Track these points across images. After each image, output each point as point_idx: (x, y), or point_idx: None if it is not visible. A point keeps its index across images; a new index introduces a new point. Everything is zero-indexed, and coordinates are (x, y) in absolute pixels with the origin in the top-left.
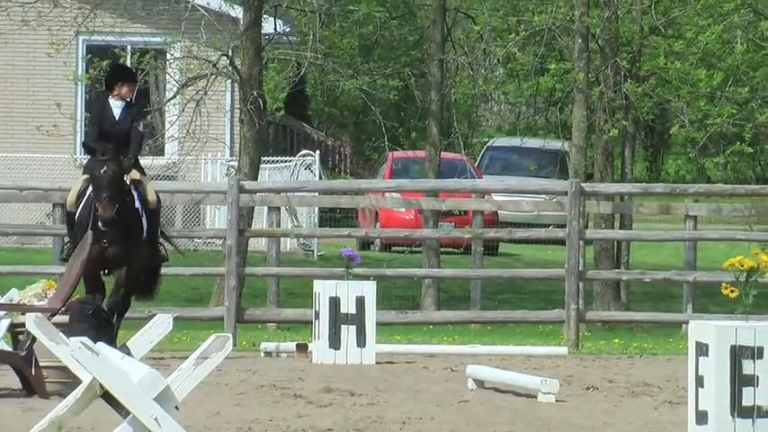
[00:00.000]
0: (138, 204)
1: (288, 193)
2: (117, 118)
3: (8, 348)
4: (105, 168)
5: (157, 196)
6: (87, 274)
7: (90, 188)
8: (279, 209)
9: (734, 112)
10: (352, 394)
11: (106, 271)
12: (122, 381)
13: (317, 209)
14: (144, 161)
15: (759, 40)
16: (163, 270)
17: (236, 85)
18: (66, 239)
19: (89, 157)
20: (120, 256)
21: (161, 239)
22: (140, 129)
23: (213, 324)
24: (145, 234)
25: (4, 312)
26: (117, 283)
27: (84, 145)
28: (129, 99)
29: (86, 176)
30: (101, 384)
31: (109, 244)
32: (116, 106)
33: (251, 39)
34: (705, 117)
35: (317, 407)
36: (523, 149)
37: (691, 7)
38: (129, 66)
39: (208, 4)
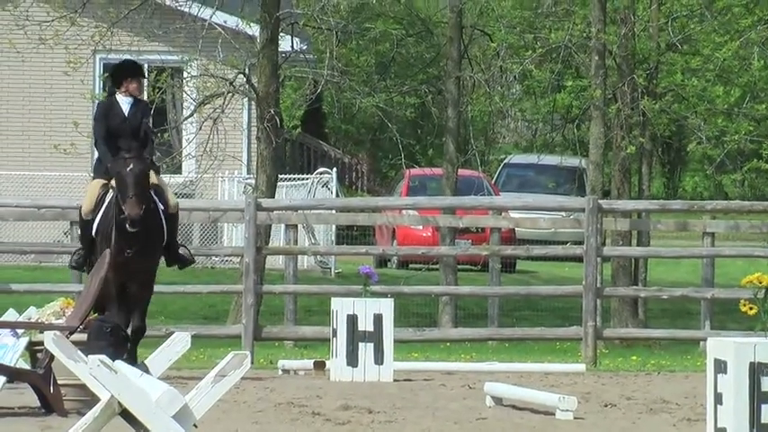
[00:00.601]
0: (160, 207)
1: (305, 211)
2: (126, 114)
3: (27, 366)
4: (132, 166)
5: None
6: (113, 283)
7: (108, 196)
8: (296, 226)
9: (751, 128)
10: (370, 412)
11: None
12: (141, 399)
13: (334, 226)
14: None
15: None
16: (181, 288)
17: (252, 102)
18: (79, 247)
19: (102, 158)
20: (144, 263)
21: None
22: (150, 125)
23: (231, 342)
24: (165, 240)
25: (22, 331)
26: (136, 304)
27: (96, 144)
28: (137, 95)
29: (101, 182)
30: (119, 402)
31: (133, 251)
32: (124, 102)
33: (268, 57)
34: (722, 134)
35: (334, 424)
36: (540, 166)
37: (707, 24)
38: (136, 61)
39: (225, 22)
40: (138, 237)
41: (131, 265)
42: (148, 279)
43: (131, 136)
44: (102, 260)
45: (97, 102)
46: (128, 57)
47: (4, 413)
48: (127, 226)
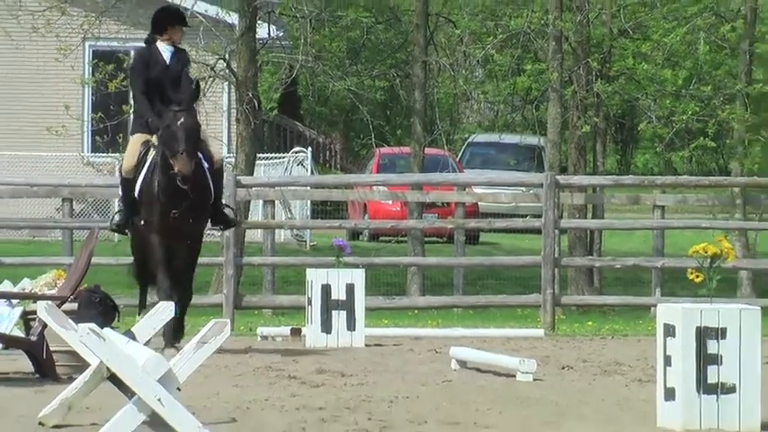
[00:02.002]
0: (205, 164)
1: (282, 188)
2: (168, 62)
3: (21, 334)
4: (183, 120)
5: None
6: (159, 249)
7: (150, 155)
8: (273, 202)
9: (697, 109)
10: (343, 375)
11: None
12: (128, 364)
13: (309, 202)
14: None
15: (720, 41)
16: None
17: (232, 86)
18: (119, 207)
19: (141, 111)
20: (192, 225)
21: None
22: (189, 75)
23: (212, 310)
24: (212, 199)
25: (17, 301)
26: (182, 271)
27: (134, 97)
28: (178, 44)
29: (142, 137)
30: (108, 367)
31: (180, 211)
32: (165, 50)
33: (246, 43)
34: (671, 114)
35: (310, 387)
36: (502, 145)
37: (657, 11)
38: (179, 8)
39: (206, 11)
40: (186, 195)
41: (179, 227)
42: (195, 243)
43: (172, 86)
44: (91, 235)
45: (133, 51)
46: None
47: (0, 378)
48: (177, 182)
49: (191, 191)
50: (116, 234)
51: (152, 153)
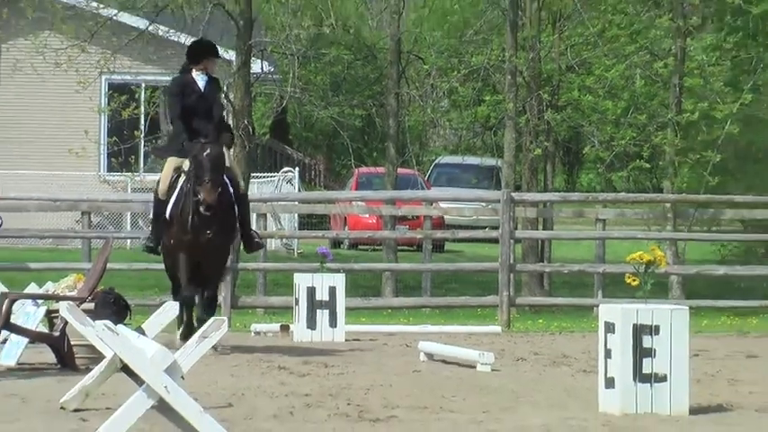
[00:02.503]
0: (230, 189)
1: (273, 203)
2: (202, 90)
3: (45, 330)
4: (208, 151)
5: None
6: (185, 264)
7: (181, 180)
8: (266, 215)
9: (634, 135)
10: (326, 366)
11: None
12: (138, 356)
13: (296, 215)
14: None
15: (654, 76)
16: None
17: (230, 114)
18: (150, 228)
19: (176, 135)
20: (218, 245)
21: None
22: (221, 101)
23: None
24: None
25: (41, 301)
26: (209, 278)
27: (172, 122)
28: (212, 74)
29: (174, 163)
30: (120, 359)
31: (207, 233)
32: (200, 79)
33: (242, 77)
34: (611, 139)
35: (297, 376)
36: (465, 166)
37: (599, 50)
38: (213, 42)
39: None
40: (210, 219)
41: (204, 245)
42: (221, 257)
43: (206, 112)
44: (107, 244)
45: (171, 77)
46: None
47: (27, 368)
48: (201, 209)
49: (214, 215)
50: (145, 251)
51: (182, 179)
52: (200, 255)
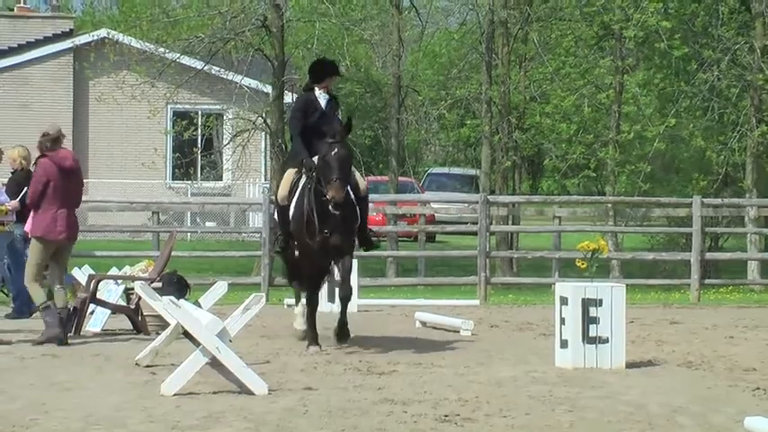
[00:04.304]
0: (351, 193)
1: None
2: (324, 108)
3: (124, 303)
4: (336, 150)
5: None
6: (312, 268)
7: (301, 181)
8: None
9: (583, 150)
10: (327, 328)
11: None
12: (195, 324)
13: None
14: (208, 184)
15: (598, 104)
16: (222, 253)
17: (267, 135)
18: (279, 233)
19: (297, 152)
20: (342, 245)
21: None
22: (340, 118)
23: (253, 287)
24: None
25: (121, 281)
26: (342, 276)
27: (293, 138)
28: (332, 92)
29: (294, 170)
30: (182, 326)
31: (331, 233)
32: (322, 98)
33: (277, 106)
34: (565, 154)
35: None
36: (451, 175)
37: (556, 84)
38: (335, 61)
39: (249, 84)
40: (336, 218)
41: (330, 245)
42: (347, 255)
43: (326, 130)
44: (171, 236)
45: (298, 98)
46: (188, 106)
47: (110, 334)
48: (330, 207)
49: (340, 215)
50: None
51: (302, 180)
52: (326, 255)
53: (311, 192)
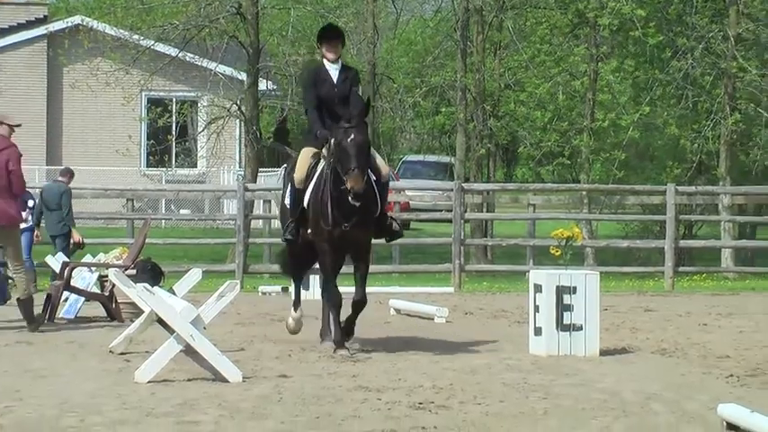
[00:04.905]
0: (372, 177)
1: (276, 191)
2: (335, 81)
3: (98, 291)
4: (353, 136)
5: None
6: (331, 260)
7: (320, 167)
8: (270, 201)
9: (558, 138)
10: (317, 318)
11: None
12: (169, 311)
13: None
14: (182, 171)
15: (573, 92)
16: (197, 240)
17: (242, 123)
18: (289, 221)
19: (312, 125)
20: (362, 236)
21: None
22: (359, 93)
23: (228, 275)
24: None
25: (95, 268)
26: (357, 280)
27: (307, 112)
28: (341, 61)
29: (311, 151)
30: (156, 313)
31: (350, 224)
32: (333, 69)
33: (251, 93)
34: (540, 141)
35: None
36: (426, 162)
37: (530, 72)
38: (336, 26)
39: (224, 71)
40: (355, 208)
41: (347, 238)
42: (365, 250)
43: (341, 103)
44: (146, 223)
45: (306, 70)
46: (162, 93)
47: (84, 321)
48: (350, 199)
49: (360, 206)
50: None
51: (321, 165)
52: (343, 246)
53: (329, 180)
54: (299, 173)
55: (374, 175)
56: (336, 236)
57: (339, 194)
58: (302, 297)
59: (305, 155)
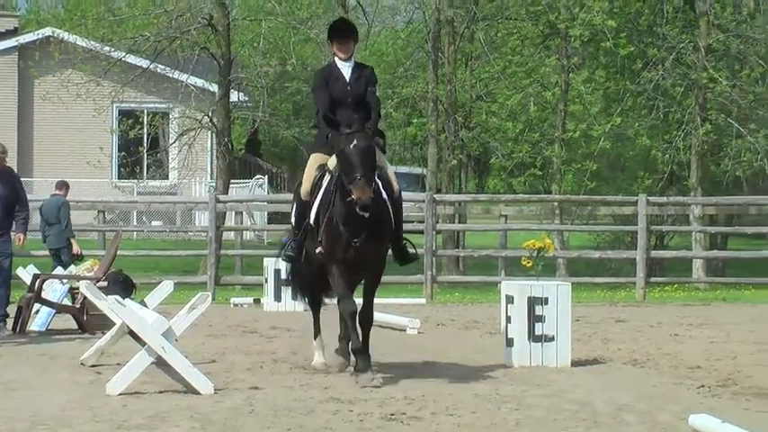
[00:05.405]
0: (383, 191)
1: (248, 203)
2: (347, 80)
3: (69, 303)
4: (355, 142)
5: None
6: (344, 282)
7: (325, 180)
8: (242, 213)
9: (529, 149)
10: (289, 330)
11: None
12: (141, 323)
13: (266, 212)
14: (154, 183)
15: (544, 103)
16: (169, 252)
17: (214, 134)
18: (291, 237)
19: (324, 131)
20: (373, 255)
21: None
22: (376, 94)
23: (200, 286)
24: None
25: (66, 280)
26: (364, 294)
27: (321, 116)
28: (355, 58)
29: (318, 159)
30: (127, 326)
31: (360, 241)
32: (345, 68)
33: (223, 105)
34: (511, 152)
35: (266, 339)
36: (397, 173)
37: (502, 83)
38: (348, 21)
39: (195, 83)
40: (365, 222)
41: (359, 257)
42: (378, 269)
43: (354, 105)
44: (117, 235)
45: (317, 70)
46: (133, 105)
47: (55, 333)
48: (357, 210)
49: (370, 219)
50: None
51: (327, 178)
52: (355, 266)
53: (335, 194)
54: (306, 184)
55: (385, 190)
56: (347, 254)
57: (348, 209)
58: (274, 309)
59: (311, 164)
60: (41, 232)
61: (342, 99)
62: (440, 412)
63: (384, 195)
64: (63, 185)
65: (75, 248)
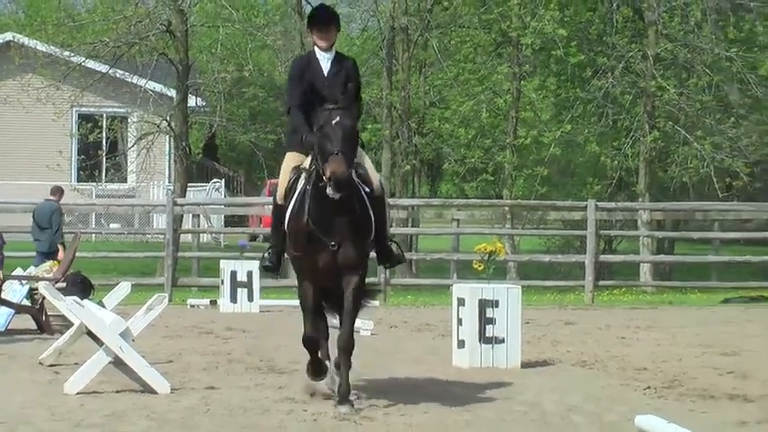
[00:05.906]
0: (365, 189)
1: (204, 206)
2: (326, 73)
3: (28, 303)
4: (338, 119)
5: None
6: (316, 286)
7: (300, 183)
8: (199, 216)
9: (481, 155)
10: (244, 331)
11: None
12: (99, 323)
13: (223, 215)
14: (112, 186)
15: (496, 110)
16: (126, 254)
17: (172, 138)
18: (269, 246)
19: (296, 128)
20: (351, 258)
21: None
22: (358, 93)
23: (157, 288)
24: (373, 230)
25: (25, 281)
26: (342, 313)
27: (289, 112)
28: (336, 48)
29: (294, 160)
30: (86, 326)
31: (336, 243)
32: (324, 59)
33: (181, 109)
34: (464, 158)
35: (222, 340)
36: None
37: (454, 90)
38: (327, 6)
39: (153, 88)
40: (342, 222)
41: (333, 261)
42: (356, 281)
43: (331, 100)
44: (76, 237)
45: (294, 60)
46: (93, 109)
47: (14, 334)
48: (328, 191)
49: (348, 212)
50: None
51: (302, 181)
52: (329, 276)
53: (308, 193)
54: (281, 187)
55: (365, 185)
56: (317, 259)
57: (320, 204)
58: (230, 310)
59: (286, 165)
60: (32, 235)
61: (317, 92)
62: (391, 413)
63: (363, 192)
64: (57, 191)
65: (61, 254)
